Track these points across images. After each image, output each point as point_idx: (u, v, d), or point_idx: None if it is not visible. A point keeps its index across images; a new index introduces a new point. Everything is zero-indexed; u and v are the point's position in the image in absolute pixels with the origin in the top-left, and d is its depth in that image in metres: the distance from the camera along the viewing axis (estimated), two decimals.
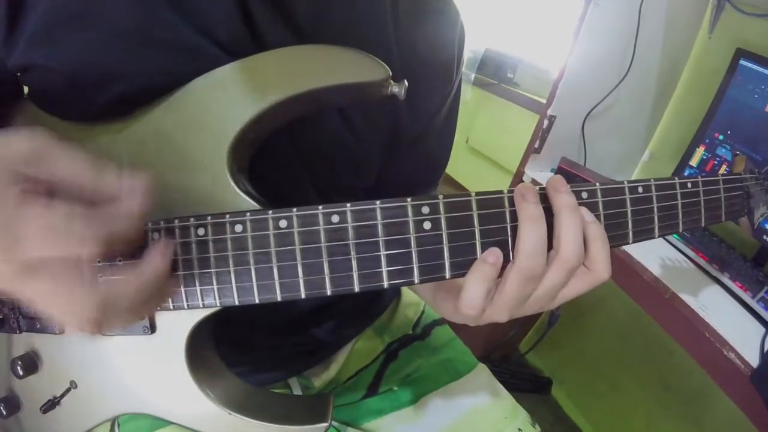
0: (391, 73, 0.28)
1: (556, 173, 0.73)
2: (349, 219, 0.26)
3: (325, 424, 0.29)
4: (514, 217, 0.26)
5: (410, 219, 0.26)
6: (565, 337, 1.08)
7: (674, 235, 0.68)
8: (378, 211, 0.26)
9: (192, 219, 0.28)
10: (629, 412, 0.93)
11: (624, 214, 0.28)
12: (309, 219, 0.26)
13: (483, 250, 0.26)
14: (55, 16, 0.27)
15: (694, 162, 0.72)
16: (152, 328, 0.30)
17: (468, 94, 1.61)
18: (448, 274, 0.26)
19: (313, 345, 0.44)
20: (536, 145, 0.71)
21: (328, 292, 0.26)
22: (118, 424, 0.36)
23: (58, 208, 0.19)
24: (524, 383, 1.09)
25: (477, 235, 0.26)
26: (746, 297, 0.60)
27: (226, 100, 0.28)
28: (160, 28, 0.28)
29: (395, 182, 0.41)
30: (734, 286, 0.61)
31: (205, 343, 0.31)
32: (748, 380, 0.49)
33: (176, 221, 0.28)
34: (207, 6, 0.28)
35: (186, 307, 0.28)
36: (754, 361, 0.50)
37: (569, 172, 0.68)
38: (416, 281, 0.26)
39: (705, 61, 0.77)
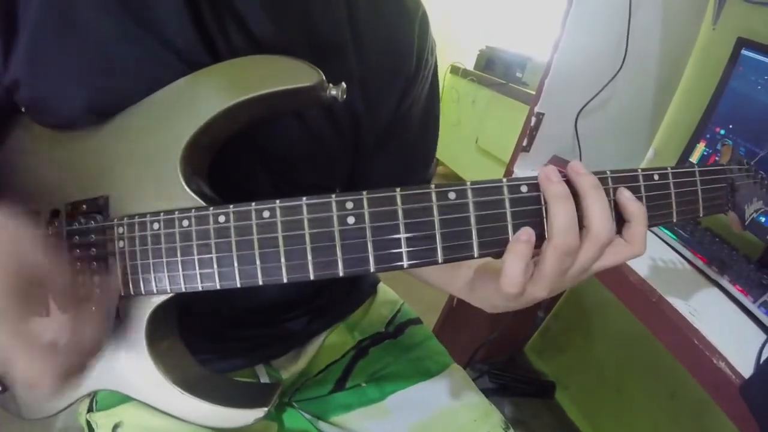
0: (324, 77, 0.30)
1: None
2: (278, 214, 0.28)
3: (265, 409, 0.31)
4: (441, 211, 0.27)
5: (334, 214, 0.28)
6: (569, 341, 1.05)
7: (671, 236, 0.65)
8: (304, 207, 0.28)
9: (149, 215, 0.31)
10: (635, 420, 0.89)
11: None
12: (243, 214, 0.29)
13: (408, 245, 0.27)
14: (38, 34, 0.30)
15: (694, 158, 0.68)
16: (118, 314, 0.33)
17: (477, 95, 1.59)
18: (372, 267, 0.28)
19: (282, 335, 0.46)
20: (524, 144, 0.70)
21: (260, 282, 0.28)
22: (96, 402, 0.40)
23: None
24: (527, 387, 1.06)
25: (401, 229, 0.27)
26: (746, 301, 0.56)
27: (178, 111, 0.31)
28: (127, 42, 0.30)
29: (380, 181, 0.42)
30: (734, 290, 0.58)
31: (166, 326, 0.34)
32: (737, 391, 0.45)
33: (136, 217, 0.32)
34: (164, 17, 0.30)
35: (143, 293, 0.31)
36: (747, 371, 0.46)
37: (558, 172, 0.65)
38: (341, 273, 0.28)
39: (709, 52, 0.73)
